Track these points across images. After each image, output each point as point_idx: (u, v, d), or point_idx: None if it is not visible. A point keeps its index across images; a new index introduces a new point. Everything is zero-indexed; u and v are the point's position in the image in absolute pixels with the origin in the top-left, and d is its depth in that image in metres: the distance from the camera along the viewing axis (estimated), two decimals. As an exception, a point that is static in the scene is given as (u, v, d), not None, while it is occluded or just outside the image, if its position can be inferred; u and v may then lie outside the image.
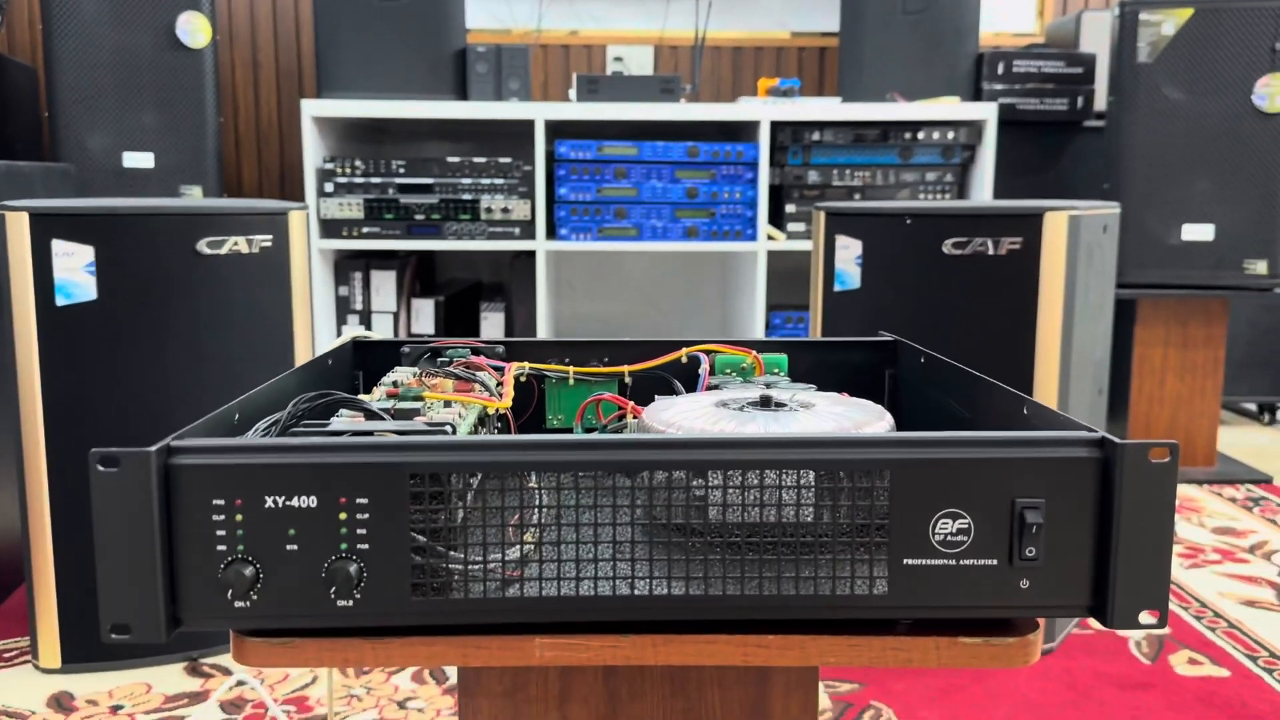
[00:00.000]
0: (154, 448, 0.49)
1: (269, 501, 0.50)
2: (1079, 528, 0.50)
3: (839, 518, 0.51)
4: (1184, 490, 2.43)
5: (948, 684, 1.46)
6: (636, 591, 0.51)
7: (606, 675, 0.61)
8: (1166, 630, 1.65)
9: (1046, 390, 1.51)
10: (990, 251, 1.52)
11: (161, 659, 1.52)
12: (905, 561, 0.51)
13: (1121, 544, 0.49)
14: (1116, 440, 0.50)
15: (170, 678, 1.48)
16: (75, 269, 1.42)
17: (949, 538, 0.51)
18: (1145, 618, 0.50)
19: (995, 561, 0.51)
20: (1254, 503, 2.32)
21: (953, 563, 0.51)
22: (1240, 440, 2.90)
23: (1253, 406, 3.25)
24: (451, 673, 1.49)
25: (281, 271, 1.58)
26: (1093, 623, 1.67)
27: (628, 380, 0.85)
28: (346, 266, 2.68)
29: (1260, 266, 2.36)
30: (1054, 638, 1.59)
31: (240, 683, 1.45)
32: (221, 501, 0.50)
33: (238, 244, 1.51)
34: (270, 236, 1.55)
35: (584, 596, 0.51)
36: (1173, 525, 0.50)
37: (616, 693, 0.61)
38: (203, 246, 1.48)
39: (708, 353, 0.84)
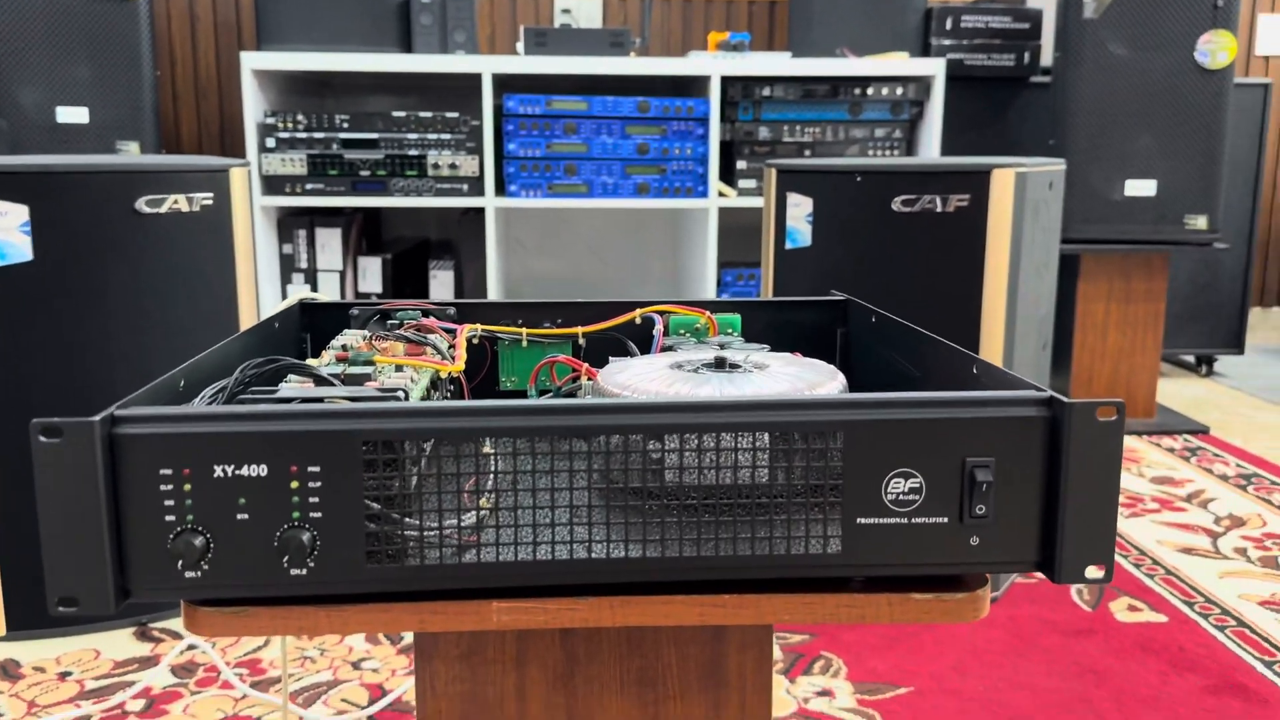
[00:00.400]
0: (97, 417, 0.47)
1: (218, 471, 0.49)
2: (1027, 485, 0.51)
3: (793, 478, 0.52)
4: (1124, 441, 2.49)
5: (897, 633, 1.49)
6: (593, 555, 0.51)
7: (564, 637, 0.61)
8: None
9: (992, 345, 1.54)
10: (939, 209, 1.53)
11: (110, 624, 1.50)
12: (858, 521, 0.52)
13: (1068, 501, 0.50)
14: (1065, 399, 0.50)
15: (119, 643, 1.46)
16: (10, 229, 1.38)
17: (901, 497, 0.52)
18: (1091, 572, 0.51)
19: (946, 519, 0.52)
20: (1191, 453, 2.39)
21: (904, 521, 0.52)
22: (1179, 392, 2.98)
23: (1191, 358, 3.33)
24: (407, 633, 1.49)
25: (223, 230, 1.54)
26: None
27: (581, 342, 0.84)
28: (290, 224, 2.63)
29: (1200, 221, 2.40)
30: (999, 587, 1.63)
31: (191, 646, 1.44)
32: (169, 471, 0.49)
33: (178, 202, 1.47)
34: (211, 194, 1.51)
35: (540, 561, 0.51)
36: (1118, 482, 0.51)
37: (574, 654, 0.61)
38: (142, 205, 1.44)
39: (661, 313, 0.83)
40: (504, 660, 0.61)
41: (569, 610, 0.51)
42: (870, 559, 0.52)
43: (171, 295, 1.48)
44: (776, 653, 1.43)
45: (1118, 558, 1.78)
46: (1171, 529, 1.92)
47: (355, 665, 1.40)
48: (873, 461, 0.51)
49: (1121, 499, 2.08)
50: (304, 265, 2.65)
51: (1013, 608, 1.58)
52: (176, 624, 1.52)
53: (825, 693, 1.33)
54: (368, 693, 1.33)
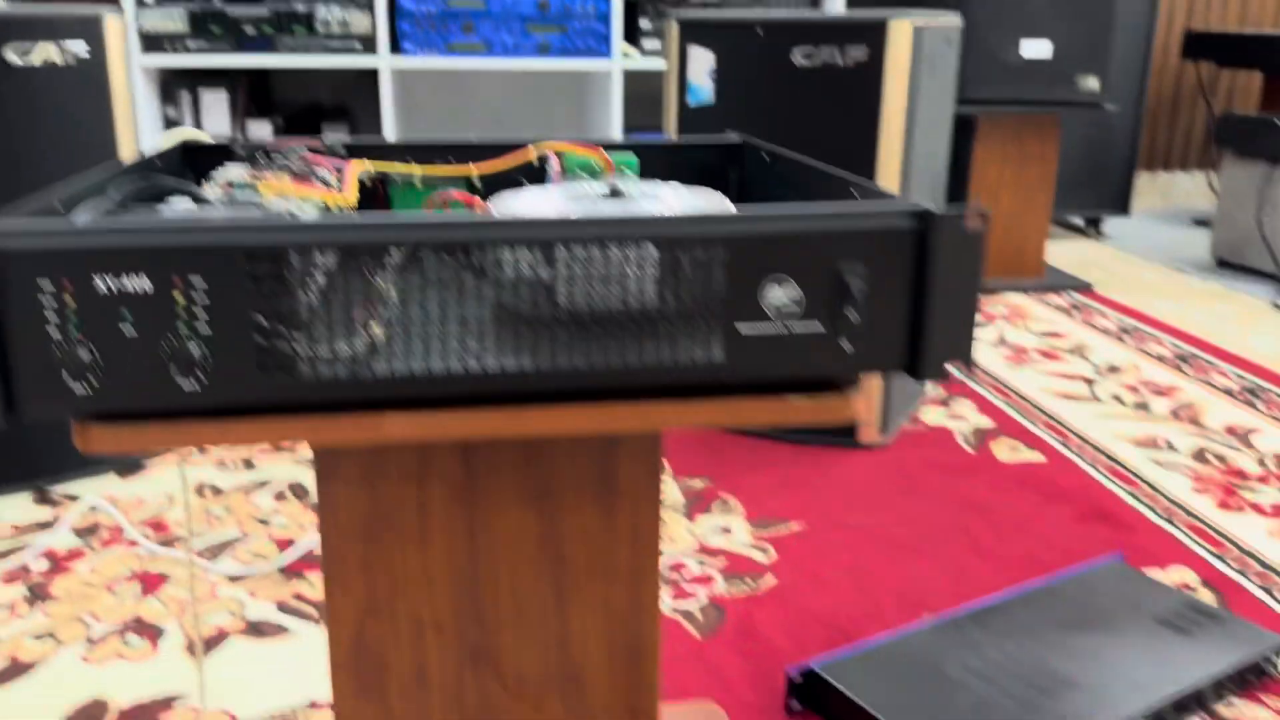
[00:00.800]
0: (-31, 231, 0.46)
1: (102, 285, 0.48)
2: (897, 292, 0.54)
3: (679, 291, 0.53)
4: (1012, 298, 2.59)
5: (788, 478, 1.55)
6: (487, 368, 0.52)
7: (463, 453, 0.63)
8: (992, 424, 1.79)
9: (888, 199, 1.57)
10: (840, 63, 1.54)
11: (6, 488, 1.48)
12: (740, 331, 0.54)
13: (935, 306, 0.53)
14: (934, 210, 0.53)
15: (18, 508, 1.45)
16: None
17: (780, 307, 0.54)
18: (951, 368, 0.54)
19: (821, 327, 0.54)
20: (1075, 309, 2.50)
21: (783, 330, 0.54)
22: (1067, 253, 3.09)
23: (1079, 221, 3.44)
24: (313, 490, 1.50)
25: (101, 86, 1.47)
26: (922, 417, 1.80)
27: (477, 183, 0.84)
28: (173, 85, 2.52)
29: (1092, 81, 2.46)
30: (887, 433, 1.71)
31: (93, 508, 1.43)
32: (50, 286, 0.48)
33: (49, 52, 1.40)
34: (84, 42, 1.43)
35: (435, 374, 0.52)
36: (979, 287, 0.54)
37: (473, 468, 0.63)
38: (10, 54, 1.36)
39: (558, 154, 0.83)
40: (404, 477, 0.63)
41: (465, 421, 0.53)
42: (751, 367, 0.54)
43: (47, 154, 1.42)
44: (677, 496, 1.49)
45: (1002, 405, 1.88)
46: (1054, 378, 2.03)
47: (263, 521, 1.41)
48: (753, 274, 0.53)
49: (1007, 351, 2.18)
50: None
51: (900, 452, 1.66)
52: (75, 487, 1.51)
53: (724, 530, 1.39)
54: (277, 547, 1.35)
